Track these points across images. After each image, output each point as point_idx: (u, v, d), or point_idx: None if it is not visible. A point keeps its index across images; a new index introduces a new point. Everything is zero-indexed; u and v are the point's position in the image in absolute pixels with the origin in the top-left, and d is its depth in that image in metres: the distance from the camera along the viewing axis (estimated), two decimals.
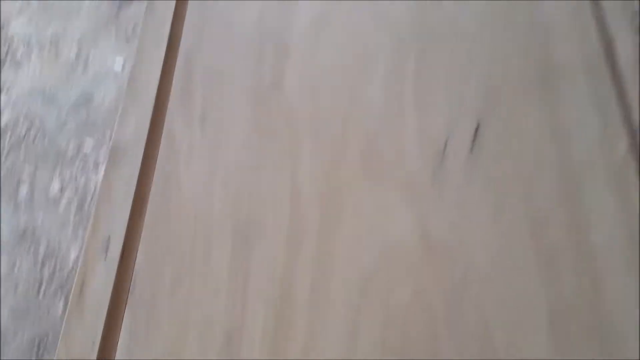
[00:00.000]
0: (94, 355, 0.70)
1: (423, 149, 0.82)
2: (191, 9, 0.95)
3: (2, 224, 1.90)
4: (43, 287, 1.84)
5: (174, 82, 0.87)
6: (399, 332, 0.71)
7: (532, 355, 0.70)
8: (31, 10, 2.38)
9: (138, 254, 0.73)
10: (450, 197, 0.78)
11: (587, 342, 0.71)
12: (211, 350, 0.70)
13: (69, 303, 0.71)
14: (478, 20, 0.95)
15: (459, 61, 0.91)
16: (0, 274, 1.83)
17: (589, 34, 0.94)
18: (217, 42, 0.92)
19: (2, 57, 2.25)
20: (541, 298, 0.73)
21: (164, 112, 0.83)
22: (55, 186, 2.00)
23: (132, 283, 0.71)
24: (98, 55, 2.27)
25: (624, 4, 0.97)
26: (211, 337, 0.70)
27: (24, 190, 1.98)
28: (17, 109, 2.13)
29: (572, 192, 0.80)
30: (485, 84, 0.88)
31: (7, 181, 1.98)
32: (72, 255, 1.89)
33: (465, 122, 0.85)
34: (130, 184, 0.77)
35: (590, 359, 0.68)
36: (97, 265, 0.73)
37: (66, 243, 1.90)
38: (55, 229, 1.92)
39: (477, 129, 0.84)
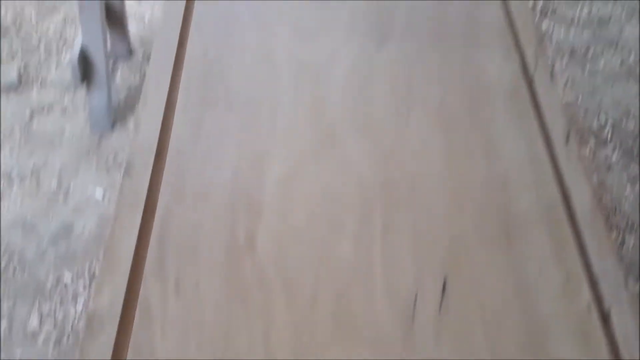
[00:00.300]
0: None
1: (393, 308, 0.85)
2: (168, 169, 0.99)
3: None
4: None
5: (149, 247, 0.89)
6: None
7: None
8: (13, 142, 2.43)
9: None
10: (421, 358, 0.80)
11: None
12: None
13: None
14: (438, 174, 0.99)
15: (423, 216, 0.95)
16: None
17: (546, 183, 0.99)
18: (192, 202, 0.95)
19: None
20: None
21: (139, 280, 0.86)
22: (34, 321, 1.99)
23: None
24: (79, 186, 2.30)
25: (579, 151, 1.03)
26: None
27: (2, 325, 1.96)
28: None
29: (538, 347, 0.82)
30: (449, 239, 0.92)
31: None
32: None
33: (433, 280, 0.88)
34: (104, 356, 0.79)
35: None
36: None
37: None
38: None
39: (444, 286, 0.87)
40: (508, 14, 1.21)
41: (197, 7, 1.25)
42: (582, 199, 0.96)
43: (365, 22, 1.21)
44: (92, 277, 2.08)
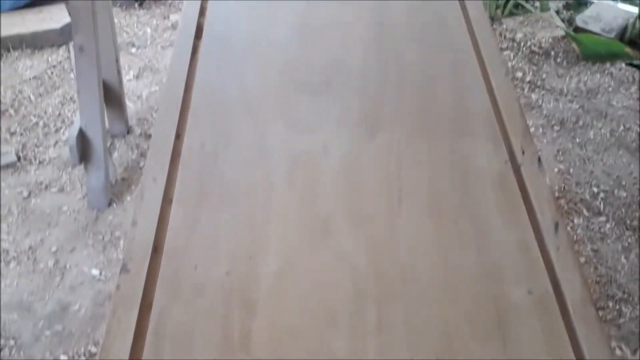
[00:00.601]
0: None
1: None
2: (164, 265, 1.01)
3: None
4: None
5: (145, 344, 0.90)
6: None
7: None
8: (10, 221, 2.45)
9: None
10: None
11: None
12: None
13: None
14: (430, 266, 1.01)
15: (416, 309, 0.95)
16: None
17: (537, 274, 1.00)
18: (187, 299, 0.96)
19: None
20: None
21: None
22: None
23: None
24: (75, 264, 2.31)
25: (568, 240, 1.05)
26: None
27: None
28: None
29: None
30: (443, 332, 0.93)
31: None
32: None
33: None
34: None
35: None
36: None
37: None
38: None
39: None
40: (495, 103, 1.25)
41: (195, 98, 1.28)
42: (572, 290, 0.97)
43: (355, 114, 1.25)
44: (88, 357, 2.07)
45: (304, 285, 0.98)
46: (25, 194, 2.56)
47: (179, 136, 1.21)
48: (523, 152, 1.16)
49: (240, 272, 0.99)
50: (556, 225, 1.05)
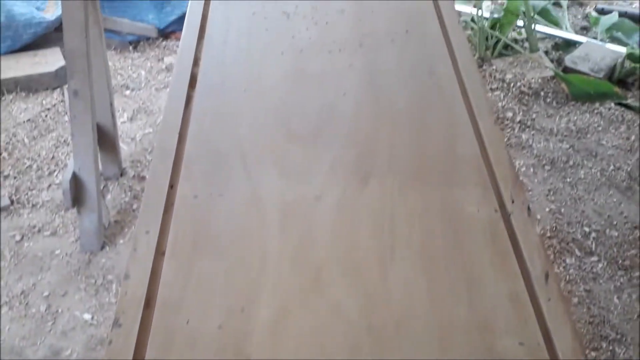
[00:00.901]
0: None
1: None
2: (157, 319, 1.01)
3: None
4: None
5: None
6: None
7: None
8: (3, 265, 2.44)
9: None
10: None
11: None
12: None
13: None
14: (423, 318, 1.01)
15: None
16: None
17: (528, 324, 1.01)
18: (180, 354, 0.96)
19: None
20: None
21: None
22: None
23: None
24: (67, 308, 2.30)
25: (559, 290, 1.05)
26: None
27: None
28: None
29: None
30: None
31: None
32: None
33: None
34: None
35: None
36: None
37: None
38: None
39: None
40: (484, 152, 1.27)
41: (188, 148, 1.30)
42: (564, 341, 0.98)
43: (348, 162, 1.26)
44: None
45: (297, 337, 0.99)
46: (18, 237, 2.56)
47: (172, 186, 1.22)
48: (513, 201, 1.17)
49: (233, 325, 0.99)
50: (546, 276, 1.05)
